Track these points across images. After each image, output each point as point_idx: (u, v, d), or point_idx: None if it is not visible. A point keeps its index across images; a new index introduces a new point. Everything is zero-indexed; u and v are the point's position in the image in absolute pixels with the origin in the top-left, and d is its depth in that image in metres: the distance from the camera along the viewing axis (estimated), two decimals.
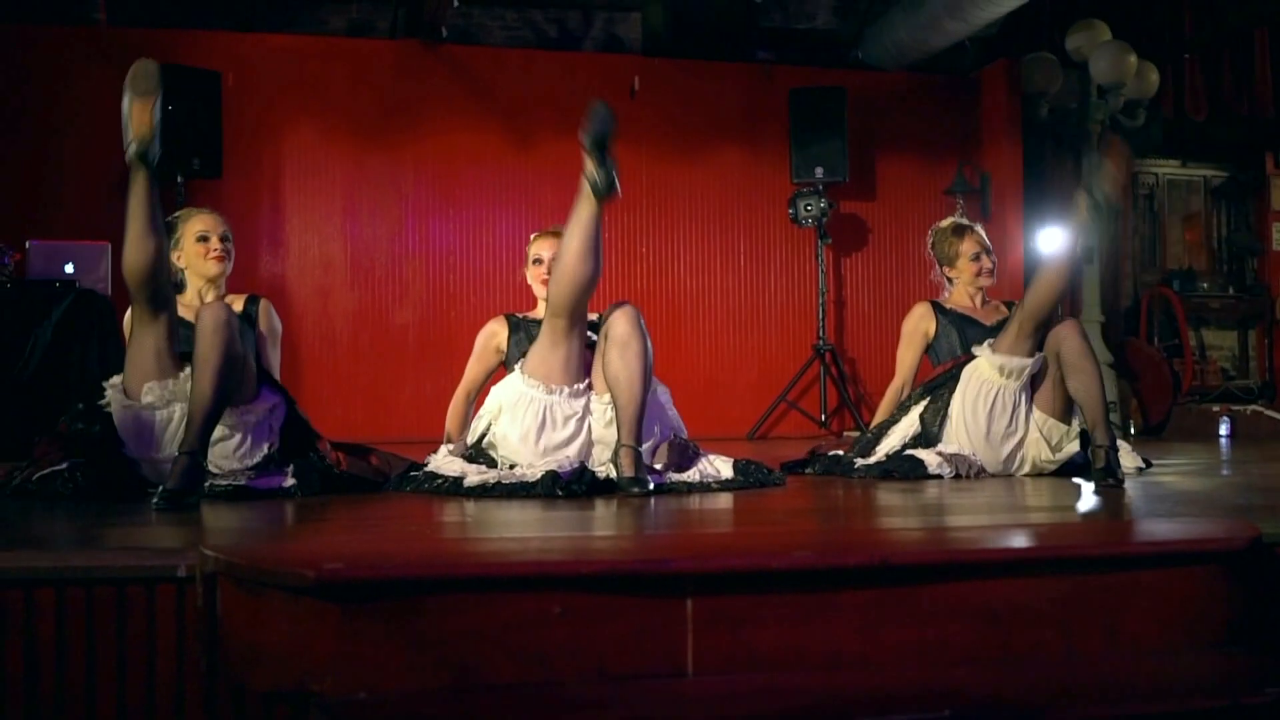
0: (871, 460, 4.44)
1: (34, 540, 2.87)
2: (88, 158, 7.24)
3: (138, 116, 3.60)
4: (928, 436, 4.40)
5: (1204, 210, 9.91)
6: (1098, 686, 2.21)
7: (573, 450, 3.86)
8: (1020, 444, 4.35)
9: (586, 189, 3.83)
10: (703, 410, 7.42)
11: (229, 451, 3.72)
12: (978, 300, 4.88)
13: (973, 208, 8.36)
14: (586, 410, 3.90)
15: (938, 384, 4.51)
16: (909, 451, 4.37)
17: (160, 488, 3.31)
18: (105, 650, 2.24)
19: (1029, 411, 4.32)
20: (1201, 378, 9.22)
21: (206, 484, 3.59)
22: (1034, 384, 4.35)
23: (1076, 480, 4.16)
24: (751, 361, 8.32)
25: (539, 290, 4.34)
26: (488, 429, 4.02)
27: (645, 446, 3.81)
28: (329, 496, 3.70)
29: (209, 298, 4.08)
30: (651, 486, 3.63)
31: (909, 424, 4.48)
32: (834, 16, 8.91)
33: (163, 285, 3.69)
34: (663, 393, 4.09)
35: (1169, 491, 3.89)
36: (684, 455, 4.01)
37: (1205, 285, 9.64)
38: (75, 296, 5.67)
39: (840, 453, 4.63)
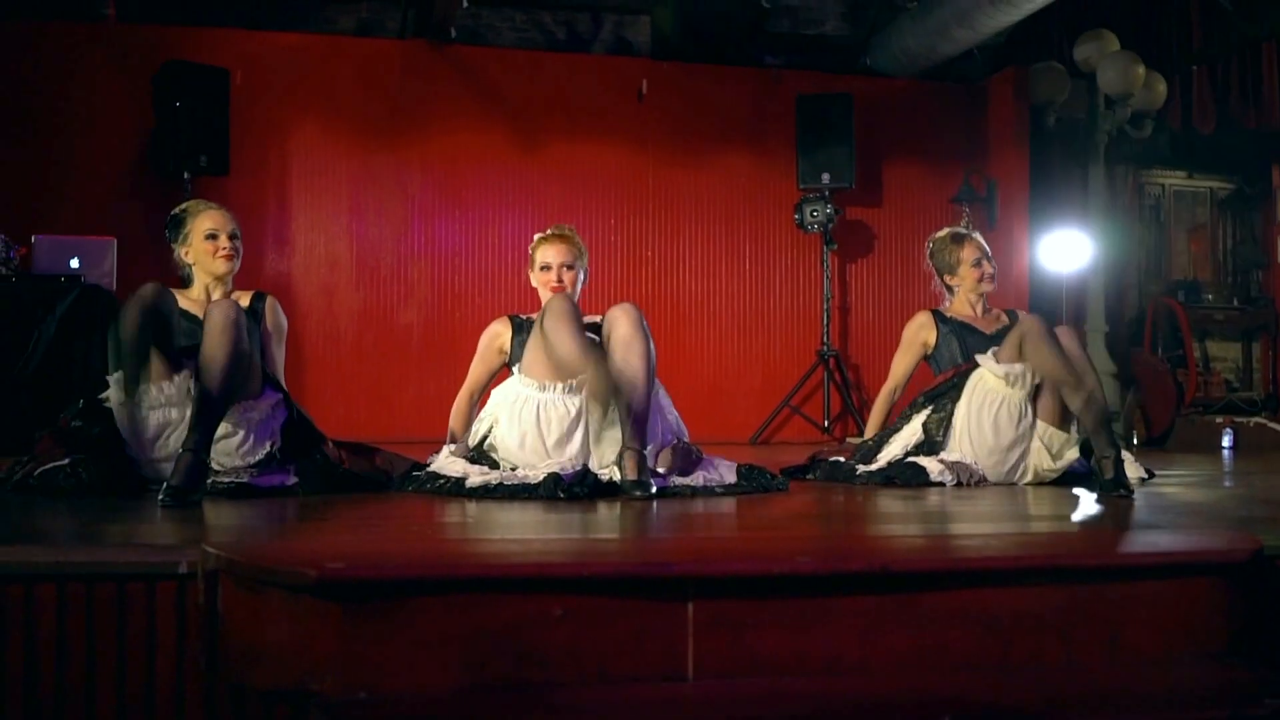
0: (874, 467, 4.44)
1: (35, 535, 2.87)
2: (95, 153, 7.26)
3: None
4: (931, 444, 4.39)
5: (1210, 222, 9.90)
6: (1098, 696, 2.21)
7: (572, 450, 3.85)
8: (1024, 454, 4.34)
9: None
10: (706, 414, 7.41)
11: (232, 449, 3.72)
12: (979, 309, 4.88)
13: (979, 216, 8.35)
14: (583, 409, 3.88)
15: (940, 392, 4.51)
16: (911, 459, 4.37)
17: (165, 484, 3.31)
18: (105, 647, 2.24)
19: (1034, 422, 4.31)
20: (1205, 389, 9.20)
21: (209, 481, 3.59)
22: (1034, 392, 4.35)
23: (1078, 490, 4.15)
24: (755, 366, 8.32)
25: (546, 296, 4.33)
26: (488, 432, 4.02)
27: (648, 450, 3.80)
28: (331, 495, 3.69)
29: (216, 294, 4.08)
30: (654, 490, 3.63)
31: (911, 432, 4.48)
32: (843, 23, 8.91)
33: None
34: (662, 395, 4.08)
35: (1171, 502, 3.89)
36: (687, 459, 4.00)
37: (1210, 297, 9.63)
38: (80, 291, 5.68)
39: (841, 459, 4.63)
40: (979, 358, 4.43)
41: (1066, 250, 8.22)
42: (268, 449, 3.79)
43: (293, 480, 3.71)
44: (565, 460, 3.80)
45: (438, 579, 2.15)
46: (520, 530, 3.01)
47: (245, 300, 4.11)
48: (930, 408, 4.48)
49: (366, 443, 4.30)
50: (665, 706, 2.09)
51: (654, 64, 8.36)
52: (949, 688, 2.19)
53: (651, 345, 3.85)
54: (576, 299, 4.24)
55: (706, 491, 3.84)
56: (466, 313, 7.75)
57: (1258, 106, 8.99)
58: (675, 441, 4.01)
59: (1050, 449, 4.32)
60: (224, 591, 2.22)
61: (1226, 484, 5.03)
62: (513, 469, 3.84)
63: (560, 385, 3.89)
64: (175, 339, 3.75)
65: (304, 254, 7.71)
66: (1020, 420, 4.30)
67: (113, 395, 3.74)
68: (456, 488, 3.75)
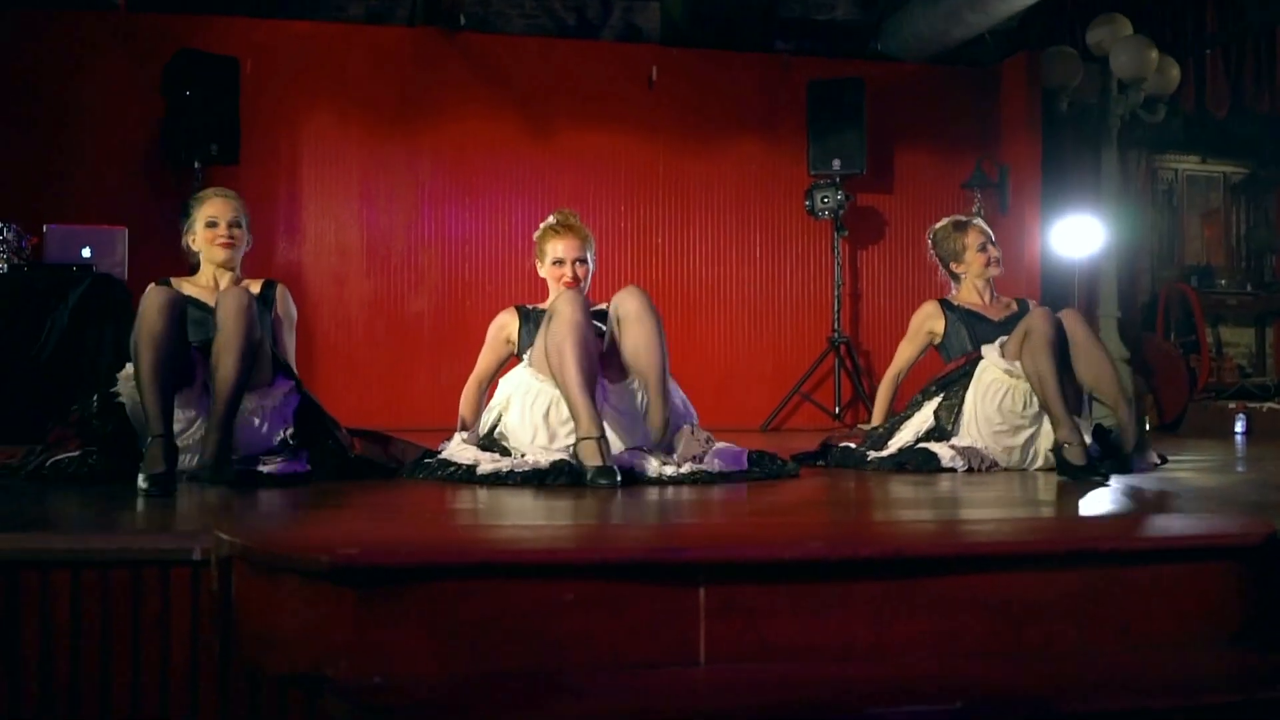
0: (885, 453, 4.44)
1: (50, 522, 2.89)
2: (106, 142, 7.27)
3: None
4: (941, 431, 4.39)
5: (1223, 207, 9.86)
6: (1111, 680, 2.21)
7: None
8: (1034, 437, 4.34)
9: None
10: (717, 401, 7.42)
11: (245, 436, 3.73)
12: (986, 296, 4.87)
13: (991, 201, 8.32)
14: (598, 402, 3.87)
15: (950, 380, 4.50)
16: (922, 445, 4.37)
17: (197, 459, 3.34)
18: (120, 633, 2.25)
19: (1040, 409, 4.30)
20: (1218, 374, 9.17)
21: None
22: None
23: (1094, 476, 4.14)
24: (766, 353, 8.31)
25: (558, 289, 4.32)
26: (497, 420, 4.02)
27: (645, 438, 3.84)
28: (344, 482, 3.70)
29: (223, 282, 4.09)
30: (619, 479, 3.55)
31: (923, 419, 4.48)
32: (853, 7, 8.88)
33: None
34: (671, 385, 4.07)
35: (1184, 487, 3.88)
36: (698, 445, 4.00)
37: (1223, 282, 9.60)
38: (92, 281, 5.70)
39: (852, 445, 4.63)
40: (984, 349, 4.42)
41: (1079, 236, 8.19)
42: (281, 435, 3.80)
43: (306, 468, 3.72)
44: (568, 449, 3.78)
45: (450, 565, 2.15)
46: (532, 516, 3.01)
47: (256, 288, 4.11)
48: (941, 395, 4.47)
49: (378, 430, 4.31)
50: (677, 692, 2.10)
51: (664, 50, 8.34)
52: (961, 673, 2.19)
53: (661, 323, 3.84)
54: (586, 289, 4.24)
55: (718, 477, 3.83)
56: (477, 300, 7.75)
57: (1271, 91, 8.94)
58: (686, 428, 4.01)
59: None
60: (238, 577, 2.23)
61: (1239, 469, 5.02)
62: (523, 456, 3.84)
63: None
64: (187, 338, 3.74)
65: (314, 242, 7.71)
66: (1027, 406, 4.29)
67: (124, 391, 3.74)
68: (468, 475, 3.76)
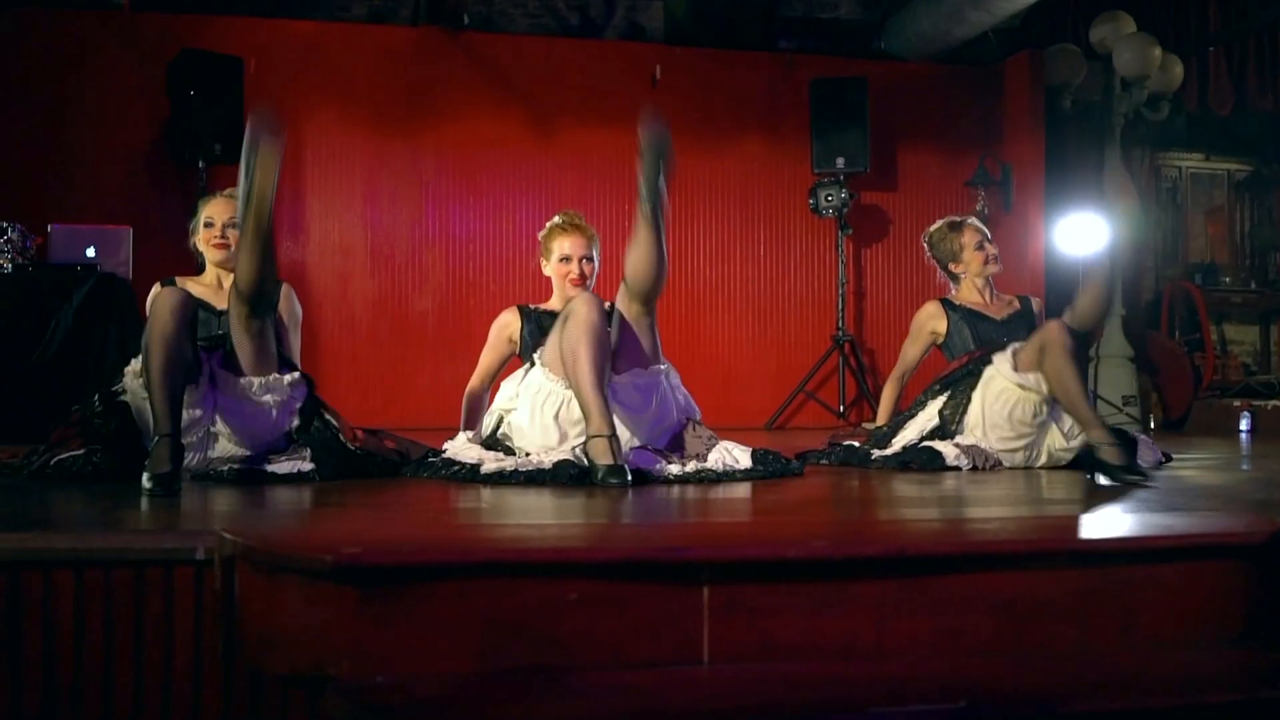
0: (889, 451, 4.44)
1: (53, 521, 2.89)
2: (110, 142, 7.28)
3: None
4: (945, 430, 4.39)
5: (1227, 204, 9.85)
6: (1114, 679, 2.20)
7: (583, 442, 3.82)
8: (1038, 440, 4.33)
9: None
10: (721, 400, 7.42)
11: (260, 425, 3.72)
12: (987, 295, 4.87)
13: (994, 200, 8.32)
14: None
15: (955, 379, 4.49)
16: (927, 443, 4.37)
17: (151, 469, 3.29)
18: (123, 632, 2.25)
19: (1050, 413, 4.29)
20: (1222, 372, 9.16)
21: (225, 467, 3.61)
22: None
23: (1097, 474, 4.13)
24: (770, 351, 8.31)
25: (568, 290, 4.31)
26: (499, 423, 4.01)
27: (649, 436, 3.83)
28: (347, 481, 3.70)
29: (226, 282, 4.09)
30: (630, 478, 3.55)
31: (927, 417, 4.47)
32: (856, 6, 8.88)
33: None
34: (673, 375, 4.06)
35: (1188, 485, 3.87)
36: (701, 443, 4.00)
37: (1227, 279, 9.59)
38: (96, 280, 5.70)
39: (856, 443, 4.63)
40: (996, 358, 4.36)
41: (1083, 233, 8.18)
42: (284, 430, 3.80)
43: (308, 466, 3.72)
44: (576, 450, 3.78)
45: (454, 564, 2.15)
46: (535, 515, 3.01)
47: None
48: (946, 394, 4.47)
49: (382, 429, 4.31)
50: (680, 690, 2.10)
51: (667, 49, 8.34)
52: (965, 672, 2.19)
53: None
54: (592, 287, 4.24)
55: (722, 476, 3.83)
56: (481, 299, 7.75)
57: (1275, 88, 8.94)
58: (688, 425, 4.01)
59: (1063, 429, 4.31)
60: (241, 577, 2.23)
61: (1244, 467, 5.02)
62: (527, 455, 3.84)
63: None
64: (196, 339, 3.74)
65: (318, 241, 7.72)
66: (1035, 415, 4.28)
67: (130, 387, 3.74)
68: (471, 474, 3.75)
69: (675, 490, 3.52)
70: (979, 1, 7.53)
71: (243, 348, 3.76)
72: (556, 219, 4.38)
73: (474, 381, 4.40)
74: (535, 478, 3.61)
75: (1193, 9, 8.87)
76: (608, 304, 4.02)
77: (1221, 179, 9.84)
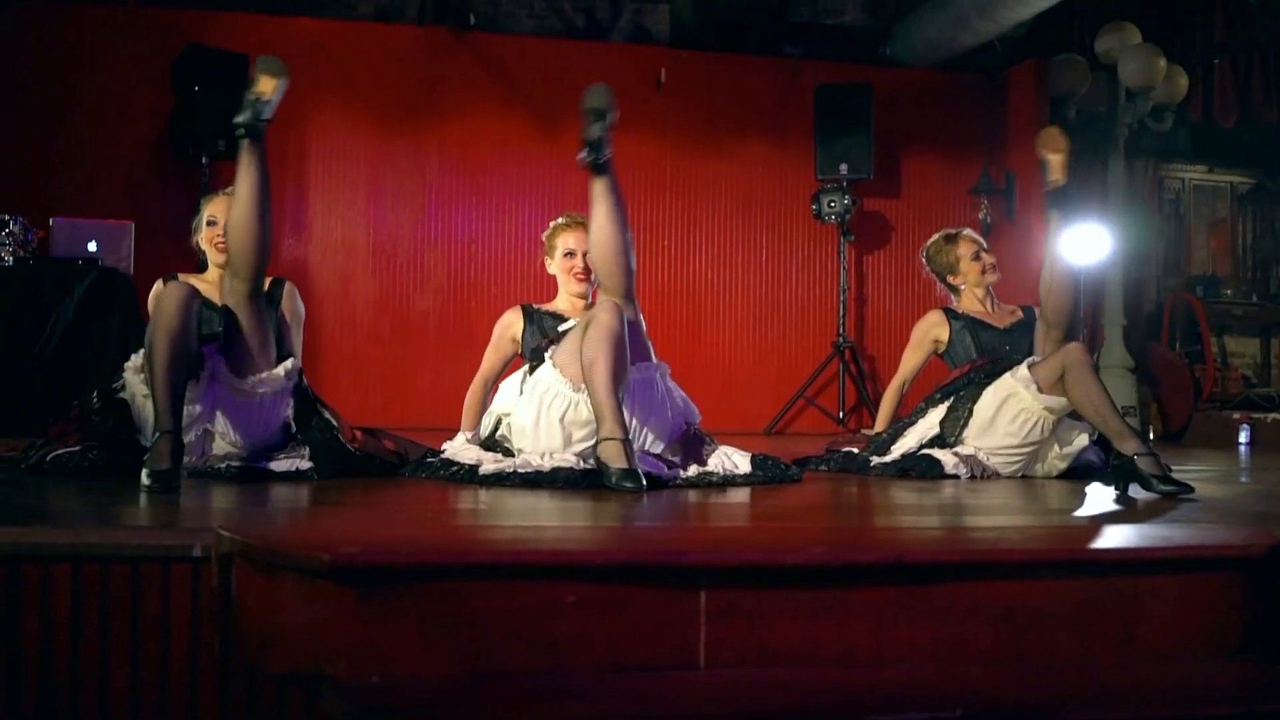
0: (888, 459, 4.44)
1: (52, 516, 2.89)
2: (113, 137, 7.28)
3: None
4: (945, 440, 4.38)
5: (1230, 216, 9.85)
6: (1112, 691, 2.20)
7: (588, 449, 3.79)
8: (1037, 452, 4.34)
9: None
10: (721, 405, 7.41)
11: (259, 415, 3.72)
12: (988, 304, 4.87)
13: (997, 208, 8.32)
14: None
15: (956, 389, 4.49)
16: (925, 451, 4.36)
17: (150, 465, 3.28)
18: (120, 628, 2.25)
19: (1055, 428, 4.30)
20: (1223, 384, 9.16)
21: (224, 464, 3.60)
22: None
23: (1093, 483, 4.14)
24: (771, 357, 8.31)
25: (573, 286, 4.31)
26: (497, 425, 4.00)
27: (648, 437, 3.82)
28: (345, 480, 3.70)
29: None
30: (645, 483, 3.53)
31: (928, 426, 4.47)
32: (863, 12, 8.88)
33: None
34: (666, 374, 4.03)
35: (1187, 498, 3.87)
36: (699, 448, 3.99)
37: (1229, 292, 9.59)
38: (97, 275, 5.70)
39: (855, 450, 4.62)
40: (1016, 376, 4.30)
41: (1085, 243, 8.17)
42: (281, 424, 3.79)
43: (307, 464, 3.72)
44: (578, 453, 3.77)
45: (451, 565, 2.15)
46: (533, 518, 3.01)
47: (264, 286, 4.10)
48: (947, 404, 4.46)
49: (381, 429, 4.31)
50: (677, 695, 2.09)
51: (673, 52, 8.34)
52: (962, 681, 2.19)
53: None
54: (596, 283, 4.23)
55: (721, 481, 3.83)
56: (482, 300, 7.75)
57: None
58: (687, 428, 4.00)
59: (1059, 438, 4.31)
60: (238, 575, 2.23)
61: (1243, 479, 5.01)
62: (526, 456, 3.82)
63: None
64: (200, 335, 3.73)
65: (321, 240, 7.72)
66: (1043, 432, 4.27)
67: (131, 382, 3.74)
68: (470, 475, 3.75)
69: (674, 494, 3.52)
70: (985, 10, 7.53)
71: (246, 327, 3.75)
72: (561, 218, 4.40)
73: (476, 381, 4.40)
74: (534, 480, 3.60)
75: (1198, 21, 8.87)
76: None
77: (1225, 191, 9.85)
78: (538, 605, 2.14)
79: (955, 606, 2.28)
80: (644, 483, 3.45)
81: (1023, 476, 4.33)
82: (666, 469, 3.76)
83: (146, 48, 7.30)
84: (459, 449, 3.99)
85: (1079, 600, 2.34)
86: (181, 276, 4.10)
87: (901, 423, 4.60)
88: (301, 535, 2.49)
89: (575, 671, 2.13)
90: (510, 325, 4.38)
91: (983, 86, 8.69)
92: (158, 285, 4.11)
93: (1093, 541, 2.68)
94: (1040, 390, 4.20)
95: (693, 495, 3.54)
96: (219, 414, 3.69)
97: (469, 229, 7.91)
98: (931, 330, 4.85)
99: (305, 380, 3.98)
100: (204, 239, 4.13)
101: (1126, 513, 3.37)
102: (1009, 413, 4.26)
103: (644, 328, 4.00)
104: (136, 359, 3.77)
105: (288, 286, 4.21)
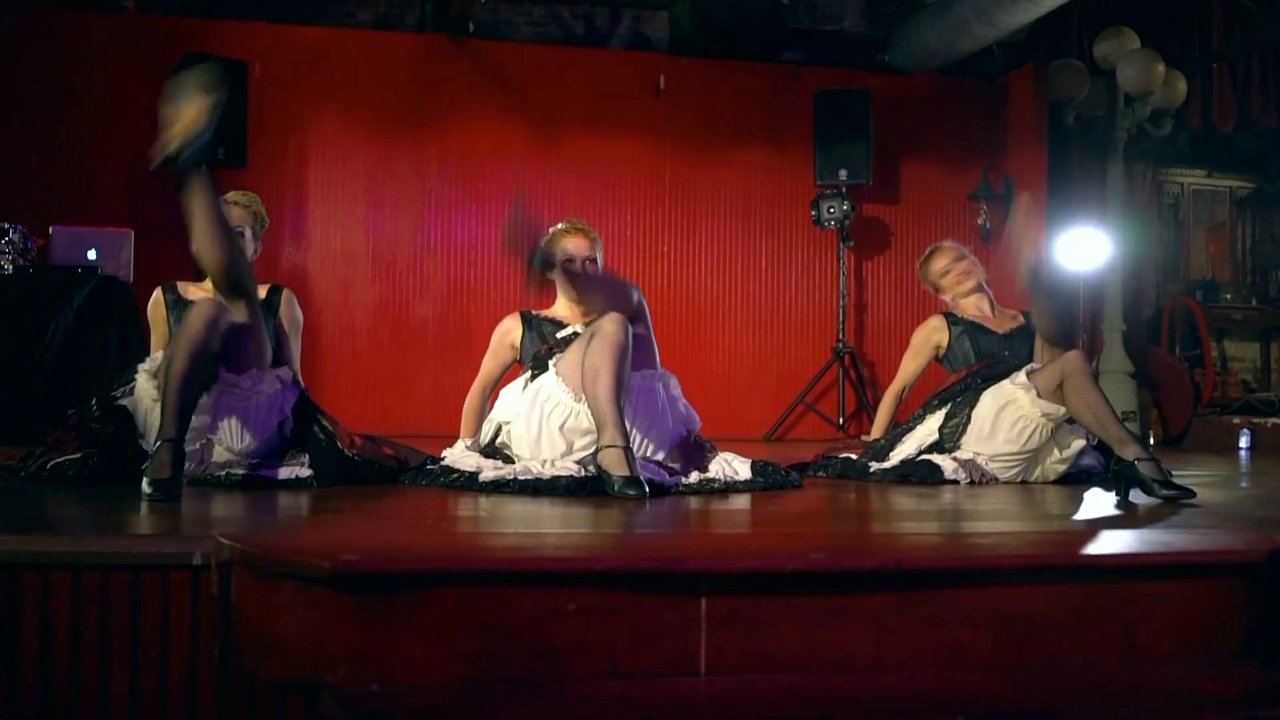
0: (887, 464, 4.44)
1: (52, 525, 2.88)
2: (113, 145, 7.28)
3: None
4: (943, 447, 4.38)
5: (1229, 221, 9.86)
6: (1112, 696, 2.20)
7: (588, 456, 3.79)
8: (1036, 457, 4.34)
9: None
10: (720, 411, 7.40)
11: (248, 416, 3.71)
12: (986, 307, 4.88)
13: (996, 213, 8.33)
14: None
15: (954, 394, 4.49)
16: (924, 456, 4.36)
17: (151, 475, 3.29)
18: (120, 636, 2.25)
19: (1054, 434, 4.30)
20: (1222, 389, 9.16)
21: (223, 472, 3.60)
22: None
23: (1093, 489, 4.13)
24: (770, 363, 8.31)
25: (571, 292, 4.31)
26: (497, 432, 4.00)
27: (648, 445, 3.82)
28: (345, 488, 3.70)
29: None
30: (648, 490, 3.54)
31: (926, 432, 4.47)
32: (862, 19, 8.89)
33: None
34: (673, 385, 4.04)
35: (1187, 502, 3.86)
36: (700, 454, 3.99)
37: (1228, 296, 9.59)
38: (97, 283, 5.70)
39: (853, 456, 4.63)
40: (1016, 383, 4.32)
41: (1085, 248, 8.19)
42: (278, 431, 3.79)
43: (307, 472, 3.71)
44: (578, 461, 3.77)
45: (451, 572, 2.15)
46: (533, 525, 3.01)
47: (261, 293, 4.09)
48: (945, 409, 4.46)
49: (380, 436, 4.31)
50: (677, 702, 2.09)
51: (672, 59, 8.35)
52: (962, 687, 2.19)
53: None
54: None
55: (721, 487, 3.83)
56: (482, 307, 7.75)
57: (1278, 106, 8.95)
58: (687, 435, 4.00)
59: (1058, 443, 4.31)
60: (238, 582, 2.23)
61: (1243, 484, 5.01)
62: (527, 463, 3.82)
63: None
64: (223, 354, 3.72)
65: (320, 247, 7.72)
66: (1042, 439, 4.28)
67: (141, 384, 3.73)
68: (469, 482, 3.75)
69: (674, 501, 3.52)
70: (984, 15, 7.54)
71: (241, 331, 3.75)
72: (560, 224, 4.39)
73: (475, 388, 4.39)
74: (534, 487, 3.60)
75: (1197, 25, 8.88)
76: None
77: (1224, 196, 9.85)
78: (538, 612, 2.14)
79: (955, 612, 2.28)
80: (646, 490, 3.44)
81: (1021, 481, 4.33)
82: (668, 476, 3.77)
83: (146, 55, 7.30)
84: (458, 456, 3.98)
85: (1079, 606, 2.34)
86: (180, 285, 4.10)
87: (900, 429, 4.60)
88: (301, 543, 2.49)
89: (576, 679, 2.13)
90: (509, 331, 4.37)
91: (981, 92, 8.70)
92: (156, 294, 4.12)
93: (1092, 547, 2.68)
94: (1039, 396, 4.21)
95: (693, 502, 3.54)
96: (220, 422, 3.68)
97: (468, 236, 7.91)
98: (933, 336, 4.85)
99: (304, 387, 3.98)
100: None
101: (1126, 518, 3.36)
102: (1008, 419, 4.27)
103: (654, 341, 4.00)
104: (150, 363, 3.76)
105: (286, 294, 4.21)
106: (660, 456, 3.88)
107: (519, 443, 3.89)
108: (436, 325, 7.83)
